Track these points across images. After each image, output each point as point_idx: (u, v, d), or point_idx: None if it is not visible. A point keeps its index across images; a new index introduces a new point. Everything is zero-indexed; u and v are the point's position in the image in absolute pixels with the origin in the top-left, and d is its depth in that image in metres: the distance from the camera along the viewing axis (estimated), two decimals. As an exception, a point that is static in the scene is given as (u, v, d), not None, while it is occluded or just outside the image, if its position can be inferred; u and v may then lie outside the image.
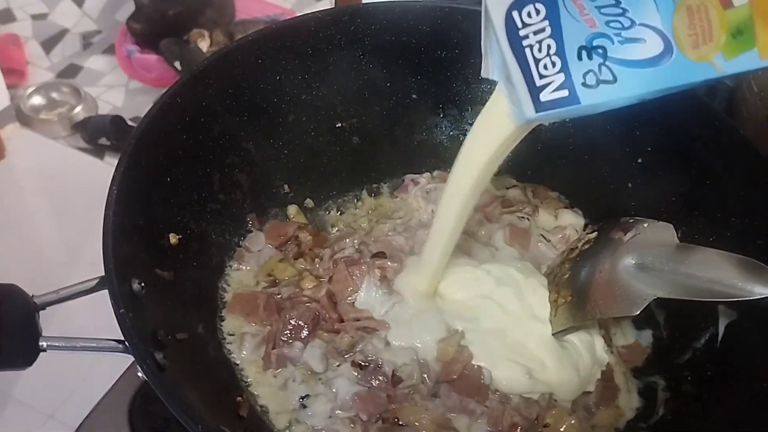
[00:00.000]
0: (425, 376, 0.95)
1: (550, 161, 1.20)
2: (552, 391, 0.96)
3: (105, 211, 0.84)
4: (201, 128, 1.03)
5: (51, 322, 0.84)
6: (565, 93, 0.70)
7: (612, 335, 1.06)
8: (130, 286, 0.84)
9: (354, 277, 1.01)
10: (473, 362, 0.96)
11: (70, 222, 1.62)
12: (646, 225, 0.98)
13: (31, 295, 0.82)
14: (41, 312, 0.83)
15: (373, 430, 0.90)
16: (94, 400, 1.01)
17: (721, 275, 0.86)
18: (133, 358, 0.80)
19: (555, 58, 0.69)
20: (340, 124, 1.19)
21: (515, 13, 0.69)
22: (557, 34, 0.69)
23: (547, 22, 0.69)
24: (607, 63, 0.68)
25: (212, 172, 1.06)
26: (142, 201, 0.92)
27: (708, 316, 0.98)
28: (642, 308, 0.90)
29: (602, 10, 0.68)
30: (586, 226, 1.16)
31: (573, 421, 0.94)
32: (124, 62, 1.88)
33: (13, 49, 1.90)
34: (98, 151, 1.76)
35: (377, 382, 0.94)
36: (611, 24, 0.68)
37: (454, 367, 0.95)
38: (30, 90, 1.84)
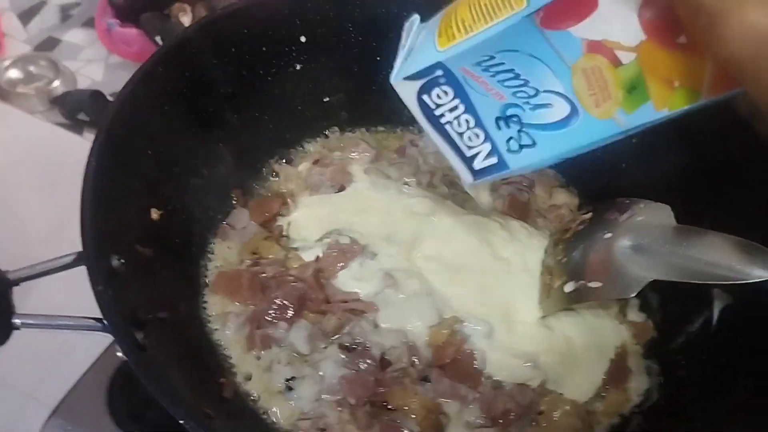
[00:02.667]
0: (415, 359, 0.93)
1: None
2: (564, 389, 0.94)
3: (83, 183, 0.81)
4: (183, 99, 0.99)
5: (28, 300, 0.80)
6: (494, 160, 0.75)
7: (627, 310, 1.03)
8: (109, 262, 0.80)
9: (346, 255, 0.98)
10: (466, 347, 0.93)
11: (48, 198, 1.56)
12: (642, 206, 0.96)
13: (4, 270, 0.78)
14: (17, 288, 0.79)
15: (360, 414, 0.88)
16: (73, 379, 0.97)
17: (719, 258, 0.84)
18: (112, 338, 0.77)
19: (477, 131, 0.74)
20: (327, 99, 1.16)
21: (425, 97, 0.74)
22: (471, 110, 0.73)
23: (458, 100, 0.73)
24: (524, 129, 0.72)
25: (196, 146, 1.02)
26: (121, 174, 0.88)
27: (702, 300, 0.96)
28: (637, 291, 0.88)
29: (505, 83, 0.70)
30: (580, 206, 1.14)
31: (568, 408, 0.92)
32: (103, 36, 1.81)
33: (-12, 20, 1.84)
34: (77, 127, 1.70)
35: (365, 365, 0.91)
36: (518, 94, 0.70)
37: (447, 351, 0.93)
38: (6, 63, 1.78)
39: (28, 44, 1.89)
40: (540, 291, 0.99)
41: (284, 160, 1.15)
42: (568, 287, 0.94)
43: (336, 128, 1.19)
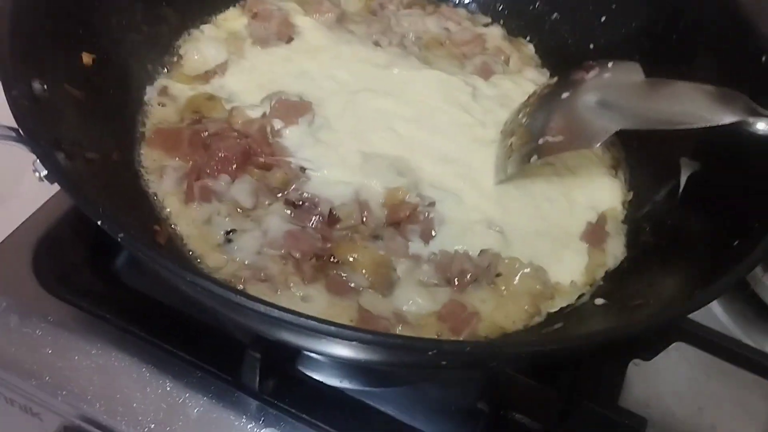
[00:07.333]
0: (365, 215, 0.86)
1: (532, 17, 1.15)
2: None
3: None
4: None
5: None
6: None
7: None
8: (29, 82, 0.73)
9: (297, 110, 0.92)
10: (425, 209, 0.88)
11: None
12: (610, 65, 0.91)
13: None
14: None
15: (306, 267, 0.81)
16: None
17: (689, 106, 0.80)
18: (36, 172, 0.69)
19: None
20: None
21: None
22: None
23: None
24: None
25: (134, 2, 0.95)
26: (50, 5, 0.80)
27: (670, 169, 0.92)
28: (602, 141, 0.83)
29: None
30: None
31: (527, 270, 0.86)
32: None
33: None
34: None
35: (312, 221, 0.85)
36: None
37: (402, 209, 0.87)
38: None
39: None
40: (500, 155, 0.93)
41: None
42: (530, 145, 0.89)
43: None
